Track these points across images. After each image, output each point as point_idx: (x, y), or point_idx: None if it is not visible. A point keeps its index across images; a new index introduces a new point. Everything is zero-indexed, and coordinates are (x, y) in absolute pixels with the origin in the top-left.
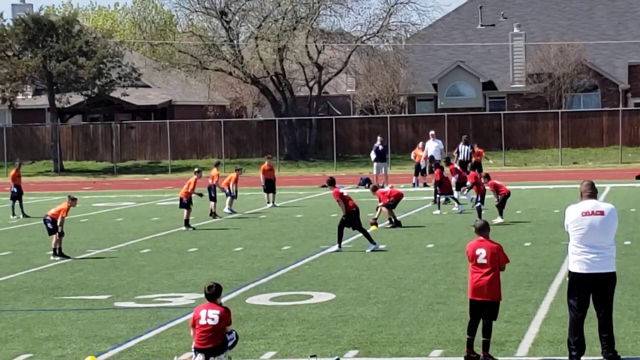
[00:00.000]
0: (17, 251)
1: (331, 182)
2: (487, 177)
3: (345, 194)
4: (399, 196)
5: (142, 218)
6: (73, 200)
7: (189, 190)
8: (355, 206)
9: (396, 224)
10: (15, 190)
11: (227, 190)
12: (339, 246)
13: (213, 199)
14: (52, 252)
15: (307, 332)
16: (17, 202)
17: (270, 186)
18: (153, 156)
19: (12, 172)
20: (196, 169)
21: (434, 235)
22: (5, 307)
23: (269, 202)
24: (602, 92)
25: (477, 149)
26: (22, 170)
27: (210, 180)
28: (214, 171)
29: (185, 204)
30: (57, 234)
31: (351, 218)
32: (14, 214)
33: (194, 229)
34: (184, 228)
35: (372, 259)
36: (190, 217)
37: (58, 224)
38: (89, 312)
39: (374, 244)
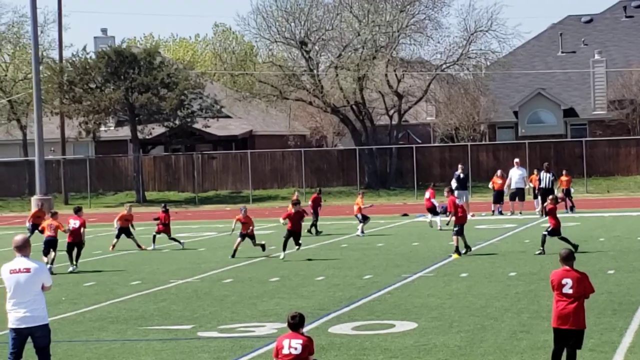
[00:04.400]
0: (100, 282)
1: (296, 203)
2: (556, 200)
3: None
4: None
5: (224, 248)
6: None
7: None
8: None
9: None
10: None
11: (360, 216)
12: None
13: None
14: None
15: None
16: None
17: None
18: (234, 186)
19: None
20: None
21: (516, 263)
22: (90, 338)
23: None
24: None
25: (566, 176)
26: (106, 200)
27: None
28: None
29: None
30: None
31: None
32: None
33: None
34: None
35: (454, 287)
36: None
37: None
38: (172, 342)
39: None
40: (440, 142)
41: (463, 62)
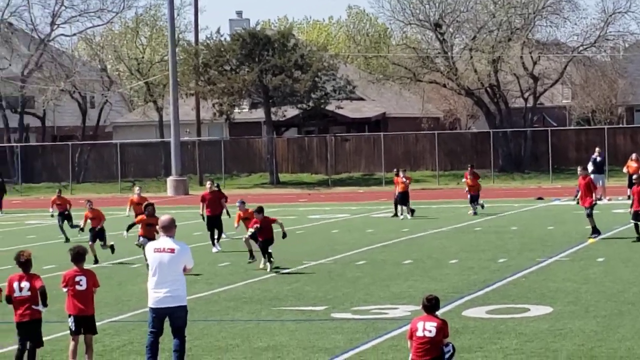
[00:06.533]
0: (235, 262)
1: (259, 210)
2: None
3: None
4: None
5: (357, 230)
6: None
7: None
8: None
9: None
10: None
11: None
12: None
13: None
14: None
15: (525, 345)
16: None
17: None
18: (367, 168)
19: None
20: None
21: None
22: (225, 317)
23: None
24: None
25: None
26: (240, 181)
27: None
28: None
29: None
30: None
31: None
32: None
33: None
34: None
35: (590, 272)
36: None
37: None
38: (306, 323)
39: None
40: (576, 125)
41: (600, 44)
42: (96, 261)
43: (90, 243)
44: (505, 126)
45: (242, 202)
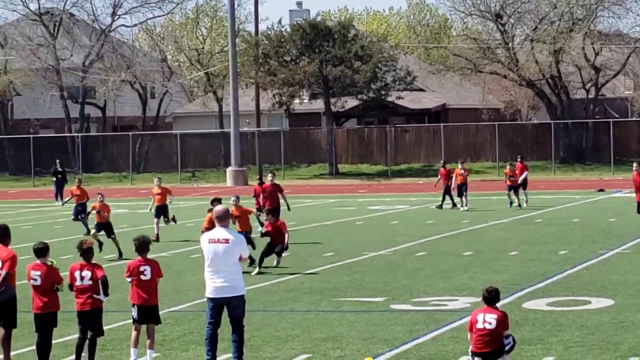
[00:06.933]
0: (294, 253)
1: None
2: None
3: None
4: None
5: (416, 221)
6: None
7: None
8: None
9: None
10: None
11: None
12: None
13: None
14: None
15: (586, 338)
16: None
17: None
18: (427, 160)
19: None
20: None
21: None
22: (284, 308)
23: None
24: None
25: None
26: (299, 172)
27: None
28: None
29: None
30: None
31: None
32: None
33: None
34: None
35: None
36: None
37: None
38: (365, 314)
39: None
40: (638, 117)
41: None
42: (100, 248)
43: (93, 232)
44: (567, 117)
45: (237, 198)
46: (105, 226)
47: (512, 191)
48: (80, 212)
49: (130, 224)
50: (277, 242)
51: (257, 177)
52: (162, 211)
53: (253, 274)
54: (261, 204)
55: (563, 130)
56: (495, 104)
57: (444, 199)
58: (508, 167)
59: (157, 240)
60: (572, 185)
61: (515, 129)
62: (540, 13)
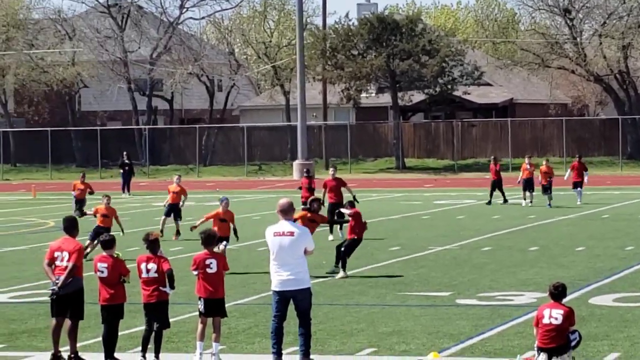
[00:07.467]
0: (360, 246)
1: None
2: None
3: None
4: None
5: (483, 216)
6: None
7: None
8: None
9: None
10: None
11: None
12: None
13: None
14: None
15: None
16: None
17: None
18: (494, 154)
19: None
20: None
21: None
22: (350, 302)
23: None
24: None
25: None
26: (365, 166)
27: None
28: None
29: None
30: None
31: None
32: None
33: None
34: None
35: None
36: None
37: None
38: (431, 309)
39: None
40: None
41: None
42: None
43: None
44: (635, 113)
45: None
46: (104, 231)
47: (527, 189)
48: (79, 207)
49: (197, 217)
50: (356, 232)
51: (305, 170)
52: (173, 210)
53: (337, 277)
54: (321, 199)
55: (631, 126)
56: (562, 99)
57: (492, 194)
58: (527, 160)
59: (161, 236)
60: (639, 181)
61: (583, 124)
62: (609, 8)
